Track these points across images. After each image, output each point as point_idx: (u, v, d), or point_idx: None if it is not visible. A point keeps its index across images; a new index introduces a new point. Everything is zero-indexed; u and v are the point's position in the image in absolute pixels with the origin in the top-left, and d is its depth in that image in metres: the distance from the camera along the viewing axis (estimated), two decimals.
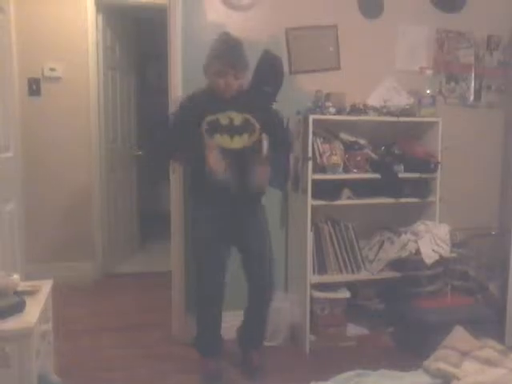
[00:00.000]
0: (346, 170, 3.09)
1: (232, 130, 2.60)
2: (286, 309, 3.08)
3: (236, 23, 3.10)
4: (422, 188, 3.22)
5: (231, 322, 2.95)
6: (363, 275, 3.15)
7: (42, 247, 4.16)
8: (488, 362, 1.86)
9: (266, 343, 3.06)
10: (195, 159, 2.66)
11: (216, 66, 2.57)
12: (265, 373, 2.73)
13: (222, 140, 2.59)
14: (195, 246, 2.77)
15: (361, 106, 3.17)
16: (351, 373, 1.95)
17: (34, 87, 4.14)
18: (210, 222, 2.65)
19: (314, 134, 3.00)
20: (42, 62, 4.14)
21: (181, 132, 2.64)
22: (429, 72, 3.52)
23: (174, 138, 2.66)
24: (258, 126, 2.64)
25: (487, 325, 2.79)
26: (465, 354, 1.93)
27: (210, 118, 2.59)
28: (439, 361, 1.93)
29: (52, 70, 4.16)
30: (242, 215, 2.68)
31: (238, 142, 2.62)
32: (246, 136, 2.62)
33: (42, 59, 4.13)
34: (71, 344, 2.97)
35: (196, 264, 2.75)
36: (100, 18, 4.32)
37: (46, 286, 2.22)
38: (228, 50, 2.59)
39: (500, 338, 2.86)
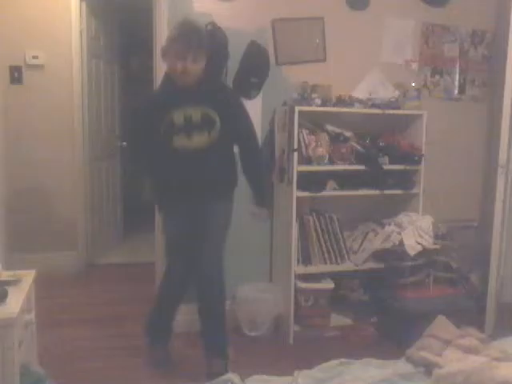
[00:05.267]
0: (332, 161, 3.09)
1: (189, 128, 2.47)
2: (270, 299, 3.09)
3: (222, 13, 3.08)
4: (406, 180, 3.25)
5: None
6: (347, 266, 3.17)
7: (23, 237, 4.10)
8: (469, 350, 1.89)
9: (251, 334, 3.09)
10: (158, 162, 2.61)
11: (173, 47, 2.46)
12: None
13: (180, 140, 2.48)
14: (167, 241, 2.76)
15: (346, 98, 3.18)
16: (335, 362, 1.97)
17: (16, 75, 4.07)
18: (176, 223, 2.65)
19: (300, 125, 3.00)
20: (25, 50, 4.07)
21: (141, 136, 2.63)
22: (414, 65, 3.54)
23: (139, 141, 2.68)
24: (218, 120, 2.50)
25: (468, 314, 2.84)
26: (447, 343, 1.96)
27: (165, 121, 2.48)
28: (422, 349, 1.96)
29: (34, 57, 4.10)
30: (205, 211, 2.60)
31: (198, 141, 2.49)
32: (206, 133, 2.49)
33: (25, 47, 4.07)
34: (53, 334, 2.94)
35: (166, 257, 2.79)
36: (84, 5, 4.26)
37: (28, 276, 2.20)
38: (186, 33, 2.47)
39: (480, 327, 2.90)
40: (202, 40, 2.50)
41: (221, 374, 2.37)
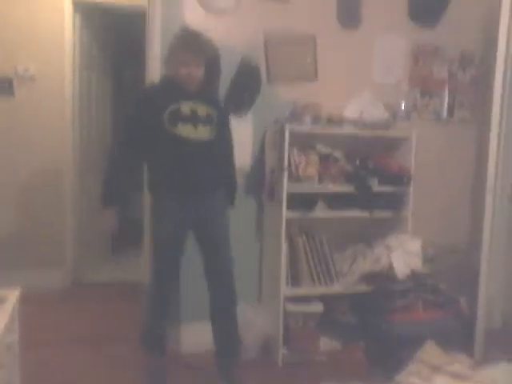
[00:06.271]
0: (321, 181, 3.10)
1: (196, 120, 2.60)
2: (258, 322, 3.07)
3: (215, 28, 3.06)
4: (396, 202, 3.25)
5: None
6: (336, 288, 3.15)
7: (9, 253, 4.02)
8: (458, 377, 1.89)
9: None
10: (156, 151, 2.65)
11: (177, 53, 2.60)
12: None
13: (185, 129, 2.58)
14: (156, 236, 2.73)
15: (337, 118, 3.19)
16: None
17: (6, 87, 4.04)
18: (171, 214, 2.62)
19: (290, 144, 3.00)
20: (16, 61, 4.04)
21: (138, 128, 2.62)
22: (404, 86, 3.56)
23: (132, 138, 2.64)
24: (216, 119, 2.68)
25: (457, 338, 2.84)
26: (436, 369, 1.96)
27: (170, 108, 2.56)
28: (411, 375, 1.95)
29: (26, 69, 4.07)
30: (203, 206, 2.67)
31: (201, 133, 2.62)
32: (208, 128, 2.64)
33: (16, 58, 4.04)
34: (37, 356, 2.87)
35: (154, 254, 2.72)
36: (77, 17, 4.26)
37: (12, 295, 2.14)
38: (189, 40, 2.63)
39: (469, 351, 2.91)
40: (203, 44, 2.65)
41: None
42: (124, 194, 2.72)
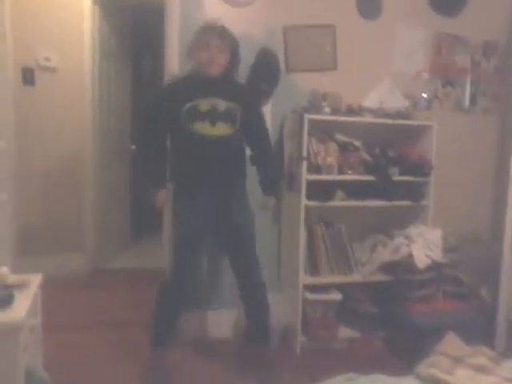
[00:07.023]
0: (340, 171, 3.07)
1: (214, 117, 2.58)
2: (277, 310, 3.04)
3: (234, 19, 3.04)
4: (416, 191, 3.22)
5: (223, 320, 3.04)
6: (355, 277, 3.13)
7: (32, 239, 4.08)
8: (481, 370, 1.87)
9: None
10: (176, 148, 2.71)
11: (200, 39, 2.62)
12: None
13: (203, 127, 2.57)
14: (178, 236, 2.76)
15: (356, 107, 3.16)
16: (342, 377, 1.94)
17: (28, 77, 4.08)
18: (193, 212, 2.65)
19: (309, 133, 2.98)
20: (37, 52, 4.07)
21: (160, 120, 2.68)
22: (425, 75, 3.51)
23: (154, 125, 2.72)
24: (239, 115, 2.64)
25: (478, 329, 2.81)
26: (457, 361, 1.93)
27: (188, 105, 2.57)
28: (431, 367, 1.93)
29: (47, 59, 4.10)
30: (225, 201, 2.69)
31: (220, 129, 2.60)
32: (229, 124, 2.61)
33: (37, 49, 4.07)
34: (58, 339, 2.89)
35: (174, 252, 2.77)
36: (96, 8, 4.27)
37: (35, 280, 2.19)
38: (211, 26, 2.66)
39: (490, 342, 2.88)
40: (225, 32, 2.65)
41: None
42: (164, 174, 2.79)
